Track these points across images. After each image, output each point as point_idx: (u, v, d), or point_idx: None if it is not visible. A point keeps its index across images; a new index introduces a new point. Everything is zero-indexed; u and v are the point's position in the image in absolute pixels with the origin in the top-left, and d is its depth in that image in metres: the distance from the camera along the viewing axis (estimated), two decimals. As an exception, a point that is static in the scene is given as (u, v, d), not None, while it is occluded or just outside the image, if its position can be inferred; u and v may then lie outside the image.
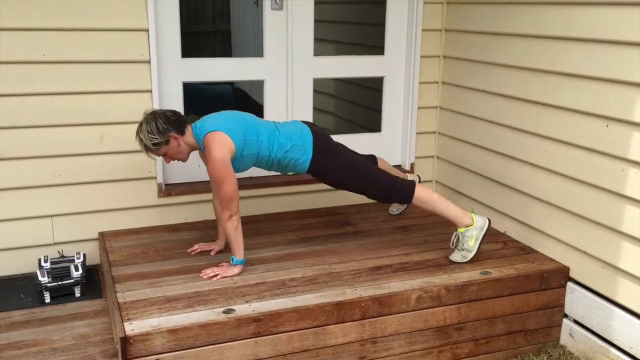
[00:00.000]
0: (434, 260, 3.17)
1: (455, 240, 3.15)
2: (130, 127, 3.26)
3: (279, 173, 3.27)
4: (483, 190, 3.72)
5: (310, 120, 3.80)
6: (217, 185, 2.92)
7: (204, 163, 3.15)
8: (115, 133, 3.43)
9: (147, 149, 2.89)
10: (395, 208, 3.75)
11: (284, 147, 3.03)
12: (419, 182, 3.27)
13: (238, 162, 2.97)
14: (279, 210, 3.89)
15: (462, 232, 3.11)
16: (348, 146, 3.26)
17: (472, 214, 3.13)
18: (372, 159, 3.45)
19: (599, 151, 2.90)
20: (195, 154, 3.20)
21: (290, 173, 3.19)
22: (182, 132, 2.92)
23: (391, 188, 3.13)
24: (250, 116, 3.11)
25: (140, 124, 2.88)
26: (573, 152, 3.05)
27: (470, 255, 3.12)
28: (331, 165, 3.11)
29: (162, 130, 2.85)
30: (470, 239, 3.10)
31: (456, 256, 3.15)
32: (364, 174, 3.15)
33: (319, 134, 3.13)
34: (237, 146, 2.91)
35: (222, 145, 2.86)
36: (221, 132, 2.88)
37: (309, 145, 3.06)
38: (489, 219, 3.17)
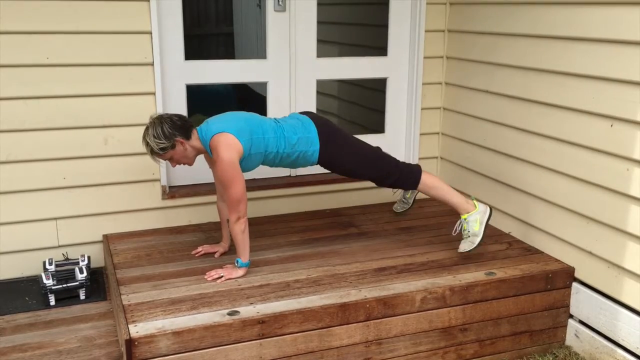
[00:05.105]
0: (438, 261, 3.17)
1: (459, 228, 3.18)
2: (134, 129, 3.27)
3: (286, 169, 3.21)
4: (487, 190, 3.71)
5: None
6: (225, 187, 2.91)
7: (210, 166, 3.15)
8: (119, 135, 3.43)
9: (153, 153, 2.89)
10: (399, 206, 3.73)
11: (290, 141, 3.02)
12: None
13: (246, 162, 2.97)
14: (282, 212, 3.88)
15: (465, 218, 3.14)
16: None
17: (474, 201, 3.20)
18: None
19: (604, 151, 2.89)
20: (200, 158, 3.20)
21: (300, 167, 3.17)
22: (188, 137, 2.91)
23: (399, 171, 3.16)
24: (254, 115, 3.10)
25: (147, 129, 2.87)
26: (577, 152, 3.04)
27: (478, 239, 3.11)
28: (340, 151, 3.11)
29: (168, 135, 2.84)
30: (475, 223, 3.12)
31: (464, 245, 3.14)
32: (372, 157, 3.16)
33: (321, 122, 3.12)
34: (244, 146, 2.91)
35: (230, 146, 2.86)
36: (228, 134, 2.88)
37: (314, 135, 3.05)
38: (489, 206, 3.22)
